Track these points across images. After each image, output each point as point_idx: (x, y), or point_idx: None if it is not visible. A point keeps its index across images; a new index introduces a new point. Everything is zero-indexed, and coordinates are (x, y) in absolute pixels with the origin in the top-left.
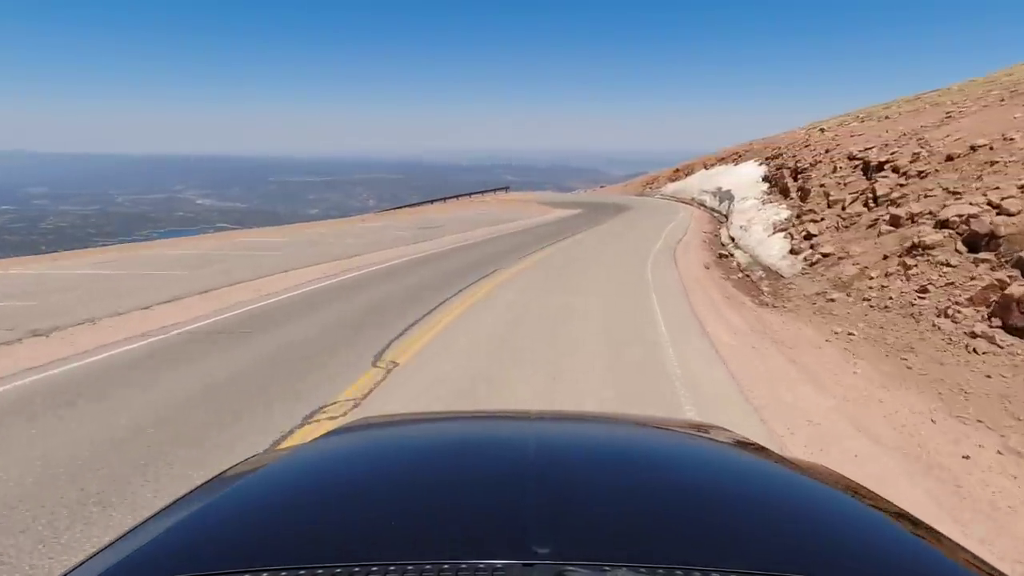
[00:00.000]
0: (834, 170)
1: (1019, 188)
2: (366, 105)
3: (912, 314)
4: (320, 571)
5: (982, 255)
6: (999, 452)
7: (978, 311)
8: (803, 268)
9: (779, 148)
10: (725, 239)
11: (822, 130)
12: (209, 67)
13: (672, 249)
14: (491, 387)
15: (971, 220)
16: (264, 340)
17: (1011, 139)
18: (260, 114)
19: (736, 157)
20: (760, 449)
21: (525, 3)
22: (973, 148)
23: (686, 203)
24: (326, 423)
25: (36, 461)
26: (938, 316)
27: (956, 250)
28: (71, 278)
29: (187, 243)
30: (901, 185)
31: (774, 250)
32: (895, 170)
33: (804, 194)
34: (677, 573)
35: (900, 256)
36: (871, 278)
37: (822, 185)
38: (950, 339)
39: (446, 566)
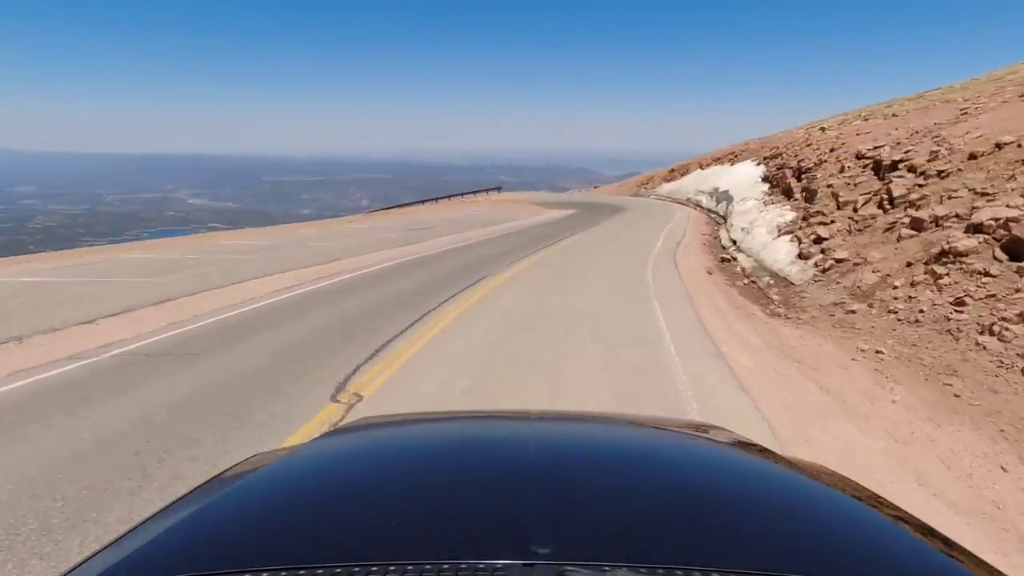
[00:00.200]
0: (841, 170)
1: None
2: (361, 105)
3: (949, 330)
4: (320, 571)
5: None
6: None
7: None
8: (815, 275)
9: (777, 147)
10: (726, 242)
11: (823, 129)
12: (203, 66)
13: (672, 252)
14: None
15: (1011, 224)
16: (212, 365)
17: None
18: (254, 113)
19: (732, 157)
20: (760, 449)
21: (520, 3)
22: (999, 146)
23: (681, 203)
24: None
25: None
26: (981, 333)
27: (994, 257)
28: (14, 286)
29: (166, 245)
30: (920, 186)
31: (781, 254)
32: (911, 169)
33: (809, 195)
34: (677, 573)
35: (927, 263)
36: (895, 287)
37: (829, 185)
38: (1000, 361)
39: (446, 566)
